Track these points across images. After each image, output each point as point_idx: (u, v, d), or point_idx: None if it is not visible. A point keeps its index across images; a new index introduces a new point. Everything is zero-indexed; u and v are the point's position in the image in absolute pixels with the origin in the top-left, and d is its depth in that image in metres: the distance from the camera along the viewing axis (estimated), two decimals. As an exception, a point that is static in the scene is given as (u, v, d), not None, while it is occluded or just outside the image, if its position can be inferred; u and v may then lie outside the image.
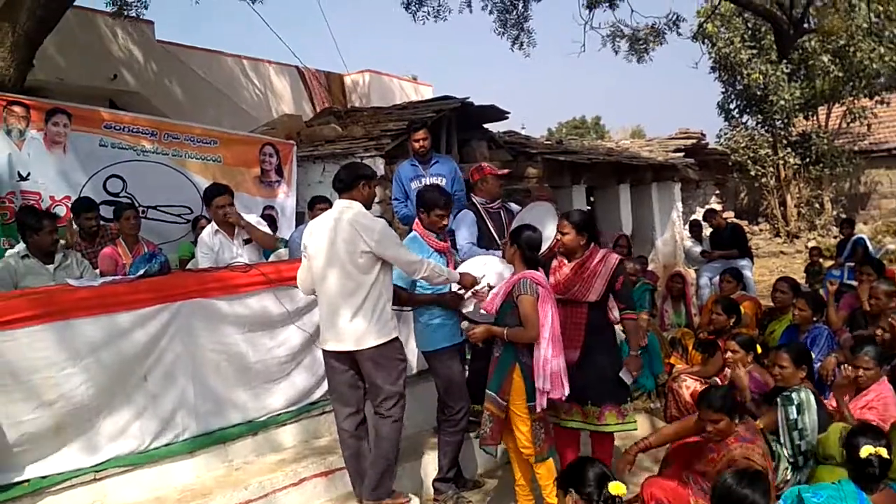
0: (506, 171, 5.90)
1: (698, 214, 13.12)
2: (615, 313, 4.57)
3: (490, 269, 4.55)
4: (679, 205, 12.54)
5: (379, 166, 7.85)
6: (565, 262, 4.40)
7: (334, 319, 3.98)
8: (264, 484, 4.04)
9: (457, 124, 8.88)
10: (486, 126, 9.47)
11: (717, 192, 15.22)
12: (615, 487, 3.09)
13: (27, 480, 3.59)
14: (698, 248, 10.77)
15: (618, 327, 4.66)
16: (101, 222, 5.63)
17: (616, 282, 4.35)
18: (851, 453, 3.47)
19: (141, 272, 4.25)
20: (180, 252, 6.03)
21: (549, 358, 3.92)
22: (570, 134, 29.98)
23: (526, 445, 3.99)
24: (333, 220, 3.99)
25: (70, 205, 5.64)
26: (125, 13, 9.53)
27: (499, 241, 5.33)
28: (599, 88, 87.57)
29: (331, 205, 4.48)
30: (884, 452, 3.36)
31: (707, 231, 10.44)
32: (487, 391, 4.13)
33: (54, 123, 5.72)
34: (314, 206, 5.98)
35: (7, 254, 4.89)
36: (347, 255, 3.90)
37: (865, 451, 3.36)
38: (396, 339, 4.08)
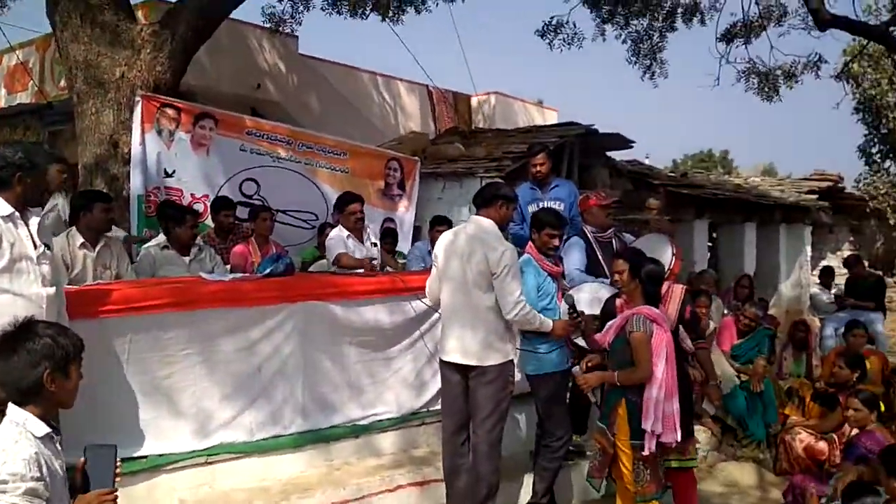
0: (612, 199, 5.78)
1: (829, 261, 12.43)
2: (688, 343, 4.47)
3: (602, 297, 4.53)
4: (808, 249, 11.91)
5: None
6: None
7: (457, 332, 4.06)
8: (362, 486, 4.16)
9: (580, 150, 8.84)
10: (609, 154, 9.38)
11: (852, 238, 14.35)
12: None
13: (145, 456, 3.85)
14: (826, 296, 10.21)
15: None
16: (236, 221, 6.00)
17: (684, 311, 4.31)
18: None
19: (267, 271, 4.52)
20: (304, 255, 6.32)
21: (662, 399, 3.82)
22: (695, 167, 29.05)
23: (629, 483, 3.94)
24: (466, 235, 4.10)
25: (209, 203, 6.05)
26: (279, 29, 10.10)
27: (607, 271, 5.30)
28: (730, 123, 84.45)
29: (451, 226, 4.60)
30: None
31: (841, 278, 9.90)
32: (598, 423, 4.11)
33: (201, 127, 6.14)
34: (434, 226, 6.17)
35: (148, 244, 5.30)
36: (474, 270, 3.99)
37: None
38: (511, 361, 4.12)
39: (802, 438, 5.61)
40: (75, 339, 2.37)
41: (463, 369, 4.07)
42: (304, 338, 4.38)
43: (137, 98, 5.78)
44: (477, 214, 4.20)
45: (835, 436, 5.31)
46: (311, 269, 5.83)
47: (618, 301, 4.29)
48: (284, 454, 4.26)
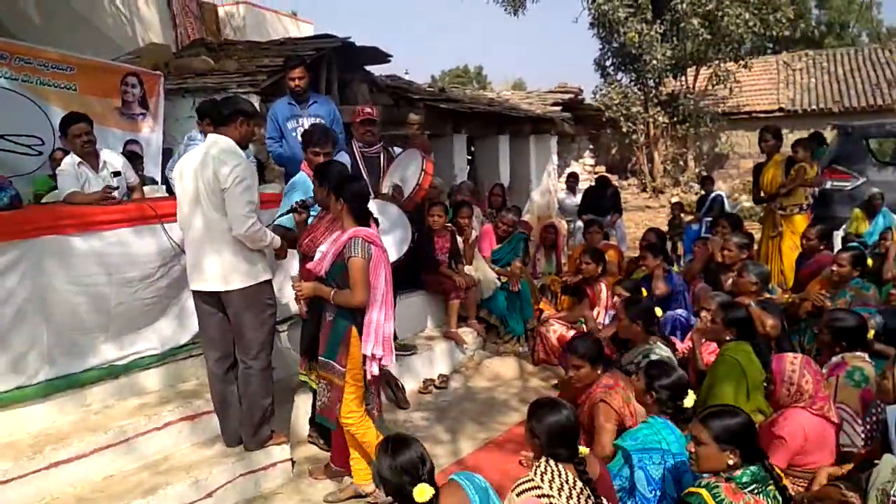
0: (365, 115, 5.73)
1: (573, 168, 13.54)
2: None
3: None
4: (555, 157, 12.85)
5: (254, 103, 7.54)
6: None
7: (199, 258, 3.85)
8: (125, 428, 3.90)
9: (338, 65, 8.64)
10: (368, 69, 9.28)
11: (591, 146, 15.73)
12: None
13: None
14: (571, 201, 11.17)
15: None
16: None
17: None
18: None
19: (-14, 206, 3.91)
20: (35, 186, 5.59)
21: (382, 322, 3.74)
22: (452, 82, 29.91)
23: (353, 411, 3.80)
24: (202, 155, 3.82)
25: None
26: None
27: (370, 186, 5.32)
28: (483, 39, 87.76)
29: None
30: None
31: (585, 184, 10.91)
32: (321, 358, 3.90)
33: None
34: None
35: None
36: (210, 192, 3.75)
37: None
38: (267, 282, 3.97)
39: (556, 329, 6.18)
40: None
41: (215, 296, 3.89)
42: (43, 277, 3.89)
43: None
44: (214, 132, 3.90)
45: (584, 325, 5.89)
46: (44, 200, 5.16)
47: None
48: (32, 405, 3.86)
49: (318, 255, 3.86)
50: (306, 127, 5.84)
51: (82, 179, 4.75)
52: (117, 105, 6.60)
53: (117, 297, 4.19)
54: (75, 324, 4.06)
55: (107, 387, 4.19)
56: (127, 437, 3.89)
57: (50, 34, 9.76)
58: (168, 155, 6.78)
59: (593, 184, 11.27)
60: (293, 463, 4.32)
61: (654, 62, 16.88)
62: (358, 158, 5.52)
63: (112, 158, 5.11)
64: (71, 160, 4.81)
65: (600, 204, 10.09)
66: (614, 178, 15.17)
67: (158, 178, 6.59)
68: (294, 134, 5.93)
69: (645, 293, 5.56)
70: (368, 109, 5.73)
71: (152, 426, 4.01)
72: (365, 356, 3.72)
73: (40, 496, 3.56)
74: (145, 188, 5.37)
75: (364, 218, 3.81)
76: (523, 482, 2.90)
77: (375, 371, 3.78)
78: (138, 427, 3.95)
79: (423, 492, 2.61)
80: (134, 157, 6.17)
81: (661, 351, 4.53)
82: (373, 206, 4.82)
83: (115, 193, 4.70)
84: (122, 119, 6.65)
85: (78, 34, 10.51)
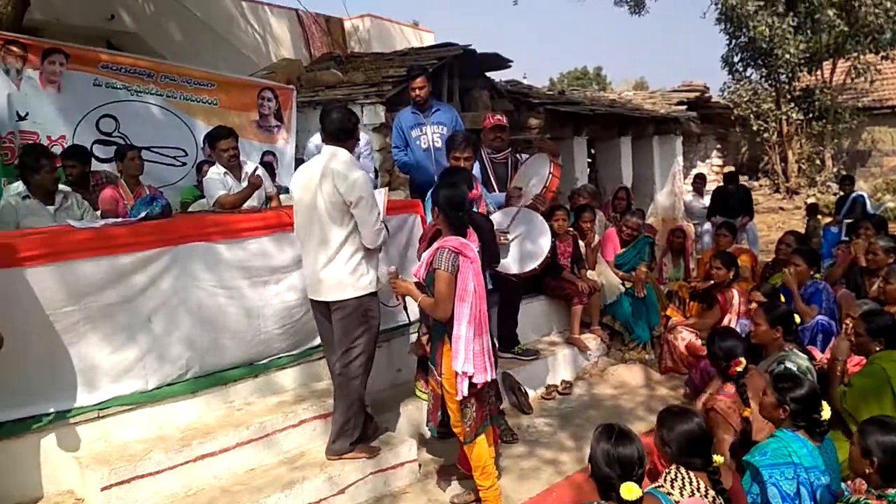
0: (495, 122, 5.83)
1: (700, 168, 13.09)
2: None
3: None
4: (680, 159, 12.49)
5: (379, 113, 7.78)
6: None
7: (314, 268, 3.97)
8: (265, 424, 4.10)
9: (459, 72, 8.77)
10: (488, 75, 9.36)
11: (719, 146, 15.15)
12: None
13: (34, 417, 3.63)
14: (698, 203, 10.79)
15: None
16: (93, 169, 5.55)
17: None
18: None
19: (143, 214, 4.25)
20: (183, 195, 6.00)
21: (472, 338, 3.62)
22: (571, 85, 29.61)
23: (456, 424, 3.81)
24: (321, 168, 3.91)
25: (65, 144, 5.60)
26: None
27: (497, 190, 5.42)
28: (602, 39, 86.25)
29: None
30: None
31: (713, 184, 10.50)
32: (429, 364, 3.93)
33: (51, 62, 5.64)
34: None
35: (7, 193, 4.86)
36: (329, 204, 3.84)
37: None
38: (373, 294, 4.02)
39: (684, 337, 6.00)
40: None
41: (325, 304, 4.00)
42: (191, 281, 4.18)
43: (-24, 36, 5.21)
44: (329, 145, 3.98)
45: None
46: (191, 209, 5.54)
47: None
48: (181, 401, 4.13)
49: (421, 261, 3.92)
50: (429, 135, 6.01)
51: (227, 187, 5.07)
52: (255, 118, 6.98)
53: (258, 300, 4.44)
54: (219, 324, 4.32)
55: (248, 384, 4.43)
56: (266, 433, 4.10)
57: (191, 52, 10.47)
58: (300, 165, 7.11)
59: (721, 183, 10.82)
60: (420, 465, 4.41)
61: (788, 56, 16.02)
62: (487, 164, 5.60)
63: (252, 169, 5.41)
64: (217, 169, 5.14)
65: (729, 205, 9.66)
66: (744, 179, 14.55)
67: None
68: (418, 142, 6.07)
69: (783, 299, 5.29)
70: (499, 116, 5.82)
71: (289, 423, 4.20)
72: (456, 373, 3.67)
73: (188, 486, 3.80)
74: (281, 197, 5.65)
75: (460, 227, 3.77)
76: (654, 488, 2.85)
77: (465, 390, 3.66)
78: (276, 424, 4.15)
79: (631, 490, 2.57)
80: (269, 168, 6.52)
81: (797, 359, 4.29)
82: (499, 215, 4.91)
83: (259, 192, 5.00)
84: (259, 131, 7.03)
85: (217, 52, 11.19)
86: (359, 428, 4.12)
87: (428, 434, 4.31)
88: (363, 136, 6.08)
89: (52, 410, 3.69)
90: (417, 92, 6.01)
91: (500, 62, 9.09)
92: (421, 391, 4.38)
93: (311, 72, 8.81)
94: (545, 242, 5.14)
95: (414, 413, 4.73)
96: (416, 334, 4.50)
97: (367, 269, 3.98)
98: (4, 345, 3.27)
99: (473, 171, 5.18)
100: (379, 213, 3.94)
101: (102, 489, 3.50)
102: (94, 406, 3.82)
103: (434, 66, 8.06)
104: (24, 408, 3.63)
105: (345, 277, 3.90)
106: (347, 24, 14.76)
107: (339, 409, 4.05)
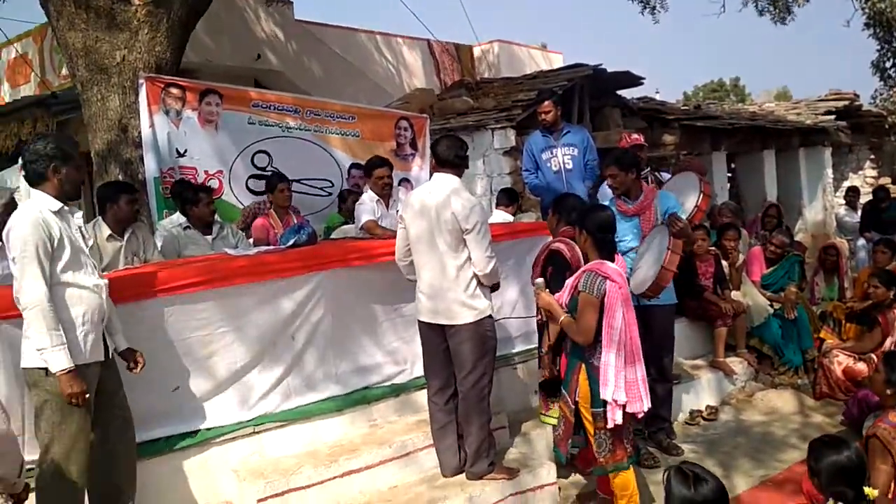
0: (633, 142, 5.77)
1: (851, 181, 12.27)
2: None
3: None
4: (830, 171, 11.75)
5: (510, 137, 7.87)
6: None
7: (430, 292, 4.01)
8: (406, 443, 4.21)
9: (589, 92, 8.71)
10: (619, 92, 9.24)
11: (872, 156, 14.13)
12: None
13: (196, 431, 3.91)
14: (852, 218, 10.10)
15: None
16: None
17: None
18: None
19: (291, 242, 4.52)
20: (329, 222, 6.32)
21: (621, 366, 3.55)
22: (707, 97, 28.57)
23: (596, 452, 3.73)
24: (438, 194, 3.97)
25: (223, 178, 6.05)
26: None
27: None
28: (739, 50, 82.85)
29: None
30: None
31: (866, 197, 9.81)
32: (561, 389, 3.90)
33: (207, 103, 6.09)
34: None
35: (167, 224, 5.30)
36: (446, 231, 3.90)
37: None
38: (489, 317, 4.03)
39: (840, 361, 5.62)
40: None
41: (439, 328, 4.03)
42: (333, 303, 4.37)
43: (141, 80, 5.72)
44: (445, 172, 4.04)
45: (874, 356, 5.27)
46: (333, 235, 5.83)
47: (560, 246, 4.15)
48: (327, 418, 4.31)
49: (564, 286, 3.88)
50: (559, 157, 6.02)
51: (377, 214, 5.31)
52: (393, 147, 7.24)
53: (394, 322, 4.60)
54: (361, 345, 4.50)
55: (389, 403, 4.56)
56: (407, 452, 4.19)
57: (331, 87, 11.02)
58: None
59: (871, 197, 10.08)
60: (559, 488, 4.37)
61: (946, 58, 14.74)
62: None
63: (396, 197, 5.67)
64: (369, 196, 5.45)
65: (882, 219, 8.96)
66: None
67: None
68: (549, 165, 6.09)
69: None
70: (636, 135, 5.76)
71: (428, 442, 4.26)
72: (605, 401, 3.59)
73: (336, 501, 3.94)
74: (345, 227, 5.86)
75: (609, 250, 3.72)
76: None
77: (618, 419, 3.59)
78: (417, 442, 4.24)
79: None
80: (406, 194, 6.76)
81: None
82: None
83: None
84: (397, 160, 7.26)
85: (355, 85, 11.73)
86: (494, 447, 4.15)
87: (555, 459, 4.26)
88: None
89: (212, 425, 3.96)
90: (544, 116, 6.05)
91: (632, 79, 8.95)
92: (543, 414, 4.34)
93: (443, 100, 9.04)
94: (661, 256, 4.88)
95: (553, 436, 4.69)
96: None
97: (483, 293, 4.00)
98: (173, 364, 3.57)
99: (607, 191, 5.13)
100: (491, 244, 3.96)
101: (259, 501, 3.70)
102: (250, 422, 4.06)
103: (563, 88, 8.06)
104: (187, 423, 3.90)
105: (467, 302, 3.94)
106: (477, 51, 15.05)
107: (471, 432, 4.07)
